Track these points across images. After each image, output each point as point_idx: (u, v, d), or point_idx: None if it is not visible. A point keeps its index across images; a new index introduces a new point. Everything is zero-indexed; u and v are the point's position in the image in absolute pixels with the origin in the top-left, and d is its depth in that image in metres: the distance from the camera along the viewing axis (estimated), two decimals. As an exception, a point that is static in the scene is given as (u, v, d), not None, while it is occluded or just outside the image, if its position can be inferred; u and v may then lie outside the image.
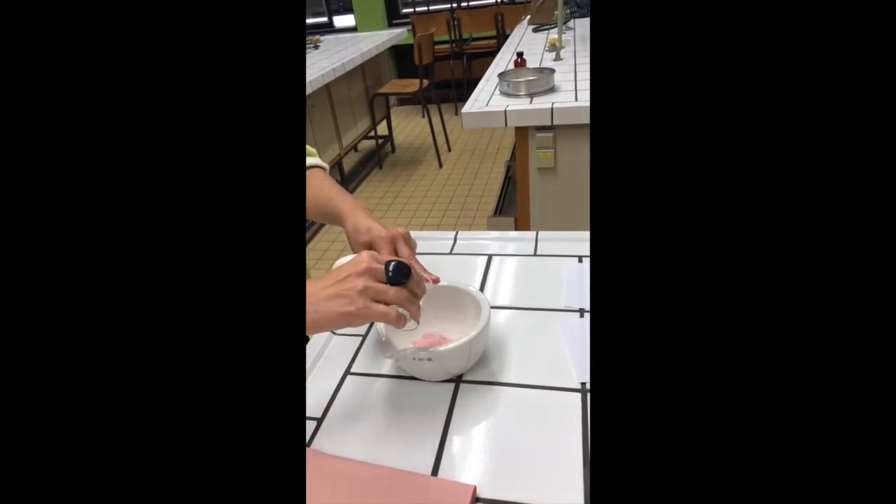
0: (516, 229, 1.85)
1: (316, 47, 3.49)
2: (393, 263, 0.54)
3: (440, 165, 3.64)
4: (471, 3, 4.82)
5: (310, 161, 0.78)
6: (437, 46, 4.00)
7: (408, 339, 0.66)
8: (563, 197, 1.66)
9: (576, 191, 1.63)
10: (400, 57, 4.81)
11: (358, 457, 0.53)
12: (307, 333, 0.52)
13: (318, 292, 0.51)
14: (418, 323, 0.57)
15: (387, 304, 0.52)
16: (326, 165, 0.78)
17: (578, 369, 0.61)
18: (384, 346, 0.58)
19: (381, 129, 3.89)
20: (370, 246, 0.74)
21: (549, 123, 1.54)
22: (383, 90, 3.62)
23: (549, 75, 1.68)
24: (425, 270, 0.69)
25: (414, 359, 0.58)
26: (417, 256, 0.71)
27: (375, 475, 0.50)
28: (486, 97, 1.72)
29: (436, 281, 0.68)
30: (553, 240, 0.88)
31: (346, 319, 0.50)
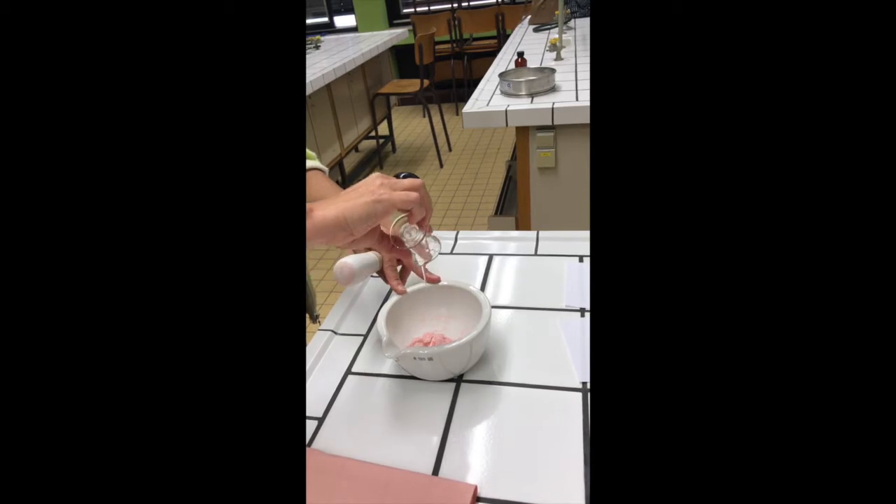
0: (517, 229, 1.85)
1: (317, 47, 3.49)
2: (403, 174, 0.59)
3: (441, 165, 3.64)
4: (471, 3, 4.82)
5: (309, 164, 0.78)
6: (437, 46, 4.00)
7: (408, 339, 0.67)
8: (564, 196, 1.66)
9: (576, 190, 1.63)
10: (401, 57, 4.82)
11: (359, 456, 0.53)
12: (331, 236, 0.51)
13: (335, 200, 0.52)
14: (428, 231, 0.58)
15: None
16: (325, 168, 0.78)
17: (579, 369, 0.61)
18: (385, 345, 0.58)
19: (382, 129, 3.89)
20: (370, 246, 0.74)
21: (549, 123, 1.54)
22: (384, 90, 3.62)
23: (549, 75, 1.68)
24: (426, 270, 0.69)
25: (415, 358, 0.58)
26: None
27: (376, 475, 0.51)
28: (486, 97, 1.72)
29: (437, 280, 0.68)
30: (554, 239, 0.88)
31: (370, 207, 0.51)
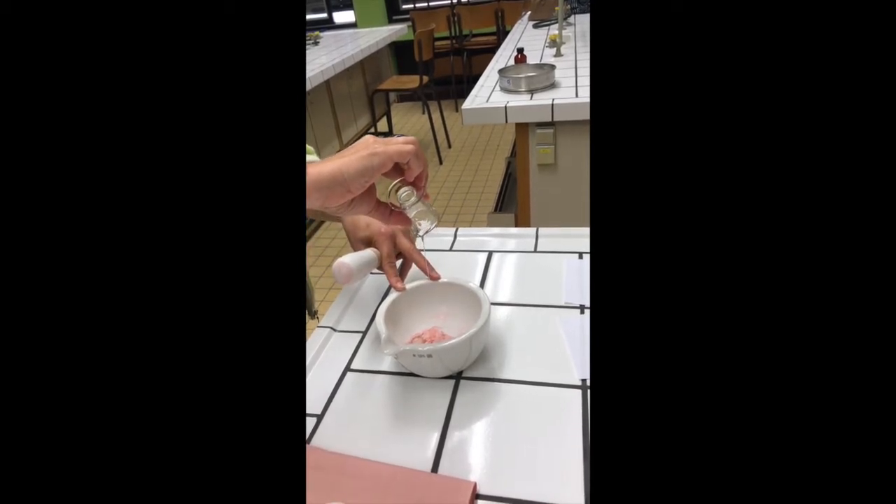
0: (516, 226, 1.85)
1: (315, 43, 3.48)
2: (398, 136, 0.56)
3: (440, 162, 3.64)
4: (471, -1, 4.81)
5: (307, 158, 0.77)
6: (437, 42, 3.99)
7: (407, 335, 0.66)
8: (564, 193, 1.65)
9: (576, 187, 1.63)
10: (400, 53, 4.81)
11: (358, 454, 0.53)
12: (327, 192, 0.49)
13: (329, 158, 0.51)
14: (426, 197, 0.56)
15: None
16: None
17: (578, 366, 0.61)
18: (384, 342, 0.58)
19: (382, 125, 3.88)
20: (370, 242, 0.74)
21: (549, 120, 1.54)
22: (383, 86, 3.61)
23: (549, 71, 1.67)
24: (430, 265, 0.69)
25: (414, 355, 0.58)
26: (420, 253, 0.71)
27: (375, 472, 0.51)
28: (486, 93, 1.72)
29: (436, 278, 0.68)
30: (553, 236, 0.88)
31: (367, 161, 0.49)
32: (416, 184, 0.55)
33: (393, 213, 0.55)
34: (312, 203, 0.48)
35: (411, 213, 0.55)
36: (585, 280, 0.75)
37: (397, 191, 0.54)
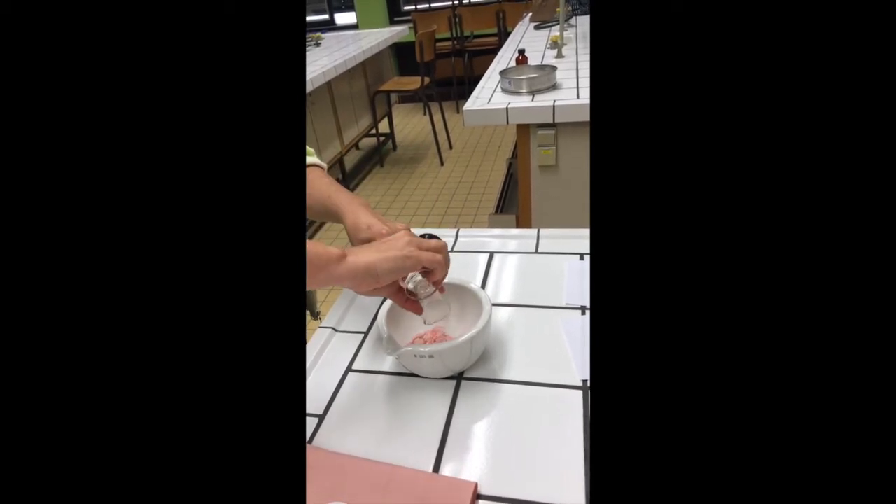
0: (518, 227, 1.85)
1: (317, 45, 3.49)
2: (427, 234, 0.65)
3: (441, 163, 3.64)
4: (472, 1, 4.81)
5: (307, 160, 0.77)
6: (438, 44, 3.99)
7: (409, 336, 0.67)
8: (565, 194, 1.65)
9: (577, 188, 1.63)
10: (401, 54, 4.81)
11: (359, 454, 0.53)
12: (359, 281, 0.54)
13: (366, 249, 0.56)
14: (441, 290, 0.61)
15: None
16: (324, 164, 0.78)
17: (579, 367, 0.61)
18: (386, 343, 0.58)
19: (383, 126, 3.88)
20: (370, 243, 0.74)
21: (550, 121, 1.54)
22: (384, 88, 3.61)
23: (550, 73, 1.68)
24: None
25: (415, 356, 0.58)
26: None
27: (377, 472, 0.51)
28: (487, 94, 1.72)
29: (442, 291, 0.69)
30: (554, 237, 0.88)
31: (400, 262, 0.54)
32: (436, 281, 0.60)
33: (409, 300, 0.60)
34: (344, 285, 0.55)
35: (424, 304, 0.60)
36: (586, 281, 0.75)
37: (417, 282, 0.59)
